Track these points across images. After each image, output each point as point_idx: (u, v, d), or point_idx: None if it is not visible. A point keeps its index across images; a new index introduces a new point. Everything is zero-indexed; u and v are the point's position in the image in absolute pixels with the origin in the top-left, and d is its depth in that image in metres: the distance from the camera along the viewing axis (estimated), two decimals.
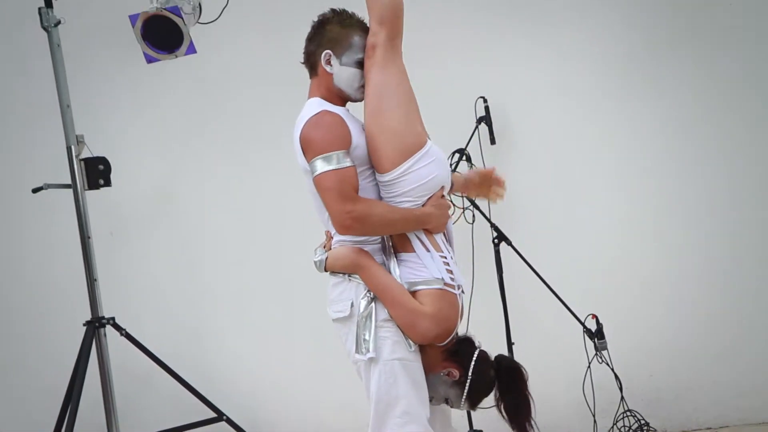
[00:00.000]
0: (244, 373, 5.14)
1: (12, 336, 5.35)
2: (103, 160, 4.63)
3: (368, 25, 3.01)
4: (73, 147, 4.59)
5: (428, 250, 2.92)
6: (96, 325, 4.52)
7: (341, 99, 3.02)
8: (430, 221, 2.93)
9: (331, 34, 2.96)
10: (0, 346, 5.36)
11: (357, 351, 2.84)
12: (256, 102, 5.08)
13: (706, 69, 4.84)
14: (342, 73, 2.95)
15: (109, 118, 5.18)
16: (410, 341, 2.87)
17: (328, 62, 2.96)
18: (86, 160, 4.59)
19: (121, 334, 4.56)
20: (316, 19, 3.03)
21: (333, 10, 3.02)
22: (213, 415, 4.69)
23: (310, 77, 3.07)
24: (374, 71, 2.92)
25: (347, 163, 2.81)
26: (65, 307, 5.03)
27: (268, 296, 5.16)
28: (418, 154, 2.91)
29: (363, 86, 2.97)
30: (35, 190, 4.62)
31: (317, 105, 2.92)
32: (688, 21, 4.85)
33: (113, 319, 4.57)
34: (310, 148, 2.83)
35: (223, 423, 4.68)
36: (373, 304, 2.85)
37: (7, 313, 5.35)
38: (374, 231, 2.88)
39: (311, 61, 3.02)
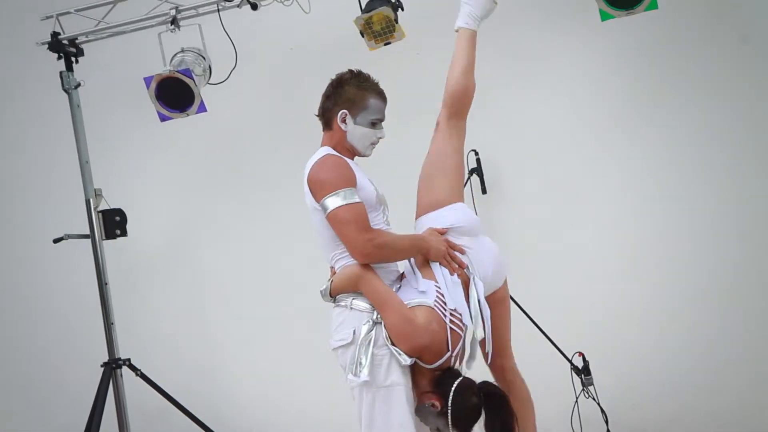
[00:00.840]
0: (254, 411, 5.28)
1: (33, 376, 5.55)
2: (120, 212, 4.91)
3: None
4: (91, 200, 4.87)
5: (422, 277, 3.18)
6: (113, 366, 4.76)
7: (351, 153, 3.21)
8: (429, 247, 3.14)
9: (348, 94, 3.15)
10: (22, 387, 5.55)
11: (353, 373, 2.96)
12: (263, 155, 5.32)
13: (695, 115, 5.03)
14: (355, 132, 3.14)
15: (126, 172, 5.46)
16: (403, 356, 2.95)
17: (344, 120, 3.16)
18: (104, 212, 4.88)
19: (137, 375, 4.78)
20: (334, 77, 3.22)
21: (351, 71, 3.20)
22: None
23: (323, 130, 3.25)
24: (436, 141, 3.36)
25: (357, 198, 2.98)
26: (83, 349, 5.23)
27: (278, 338, 5.34)
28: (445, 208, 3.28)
29: (373, 144, 3.19)
30: (56, 241, 4.88)
31: (324, 151, 3.13)
32: (679, 62, 5.04)
33: (129, 360, 4.80)
34: (319, 188, 2.99)
35: None
36: (374, 330, 2.98)
37: (29, 355, 5.57)
38: (390, 256, 3.08)
39: (327, 117, 3.21)
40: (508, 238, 5.15)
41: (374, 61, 4.88)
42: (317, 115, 3.26)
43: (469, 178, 5.15)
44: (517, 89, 5.20)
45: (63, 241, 4.86)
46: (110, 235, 4.88)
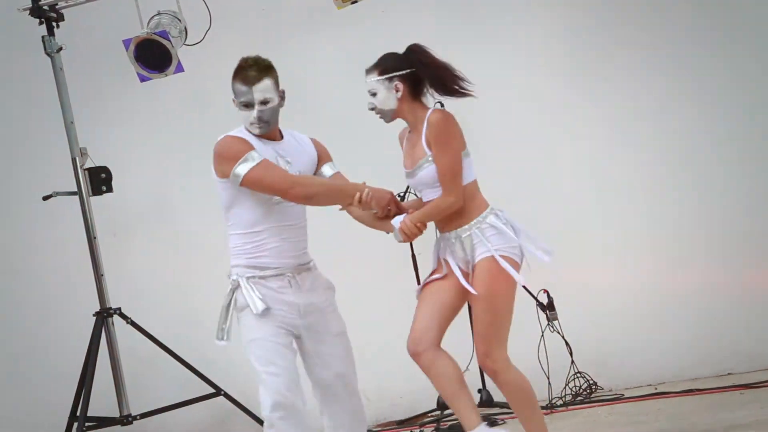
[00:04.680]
0: (239, 352, 5.48)
1: (28, 329, 5.77)
2: (105, 169, 5.11)
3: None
4: (77, 158, 5.08)
5: None
6: (104, 315, 5.00)
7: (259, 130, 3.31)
8: (351, 198, 3.18)
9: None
10: (17, 338, 5.77)
11: (218, 338, 3.27)
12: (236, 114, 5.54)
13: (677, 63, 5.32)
14: (239, 114, 3.29)
15: (109, 131, 5.62)
16: (257, 303, 3.13)
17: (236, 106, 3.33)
18: (90, 170, 5.07)
19: (127, 323, 5.03)
20: None
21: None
22: (212, 390, 5.13)
23: None
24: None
25: (261, 157, 3.14)
26: (76, 300, 5.45)
27: None
28: None
29: (253, 123, 3.20)
30: (45, 198, 5.09)
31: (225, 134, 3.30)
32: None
33: (119, 309, 5.05)
34: (224, 162, 3.15)
35: (221, 398, 5.11)
36: (233, 294, 3.23)
37: (23, 308, 5.80)
38: (321, 192, 3.22)
39: None
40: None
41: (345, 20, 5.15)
42: None
43: None
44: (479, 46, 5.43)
45: (52, 199, 5.07)
46: (97, 191, 5.08)
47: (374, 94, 3.29)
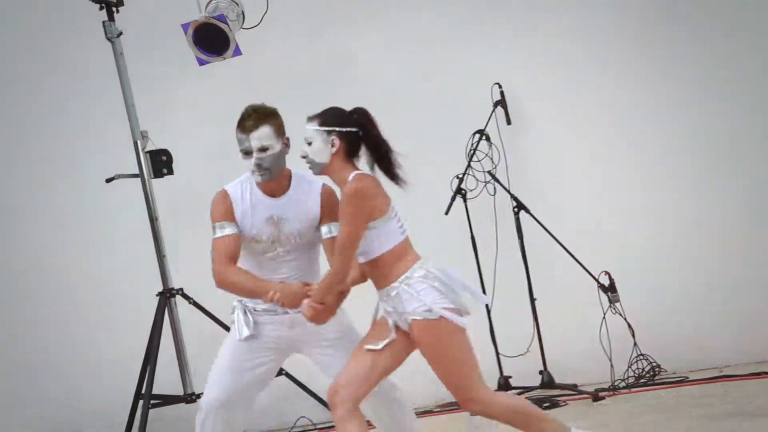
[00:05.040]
0: None
1: (93, 310, 5.89)
2: (165, 152, 5.18)
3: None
4: (138, 141, 5.16)
5: None
6: (167, 295, 5.10)
7: None
8: (278, 297, 3.20)
9: None
10: (81, 320, 5.89)
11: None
12: (296, 97, 5.54)
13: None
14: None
15: (168, 114, 5.69)
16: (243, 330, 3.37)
17: None
18: (151, 152, 5.16)
19: (190, 303, 5.13)
20: None
21: None
22: None
23: None
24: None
25: (223, 233, 3.30)
26: (139, 281, 5.52)
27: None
28: None
29: (254, 172, 3.29)
30: (108, 180, 5.18)
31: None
32: None
33: (182, 289, 5.14)
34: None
35: (283, 377, 5.14)
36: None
37: (87, 290, 5.90)
38: (235, 292, 3.36)
39: None
40: (534, 165, 5.39)
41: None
42: None
43: (494, 110, 5.35)
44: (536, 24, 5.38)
45: (114, 181, 5.16)
46: (158, 174, 5.17)
47: (309, 143, 3.18)
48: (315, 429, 5.27)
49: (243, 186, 3.39)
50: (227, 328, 5.00)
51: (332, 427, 5.03)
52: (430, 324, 3.01)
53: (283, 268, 3.37)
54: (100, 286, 5.90)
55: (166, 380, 5.10)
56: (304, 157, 3.20)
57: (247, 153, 3.31)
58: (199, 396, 4.98)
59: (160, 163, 5.17)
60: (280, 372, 5.13)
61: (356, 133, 3.14)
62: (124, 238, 5.81)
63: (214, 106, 5.72)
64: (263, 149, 3.28)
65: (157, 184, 5.19)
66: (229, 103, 5.66)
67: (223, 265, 3.28)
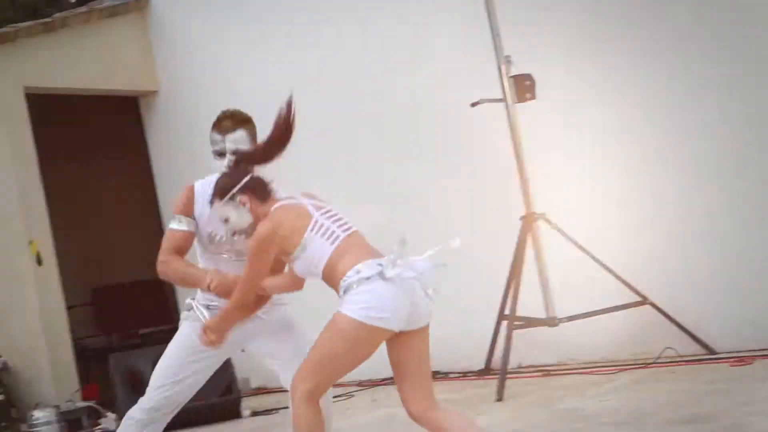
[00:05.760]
0: (671, 258, 5.25)
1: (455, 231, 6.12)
2: (529, 77, 5.20)
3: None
4: (502, 66, 5.22)
5: None
6: (530, 219, 5.16)
7: None
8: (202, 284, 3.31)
9: None
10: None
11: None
12: None
13: None
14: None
15: (531, 39, 5.54)
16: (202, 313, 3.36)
17: None
18: (515, 77, 5.19)
19: (552, 227, 5.15)
20: None
21: None
22: (637, 299, 5.08)
23: None
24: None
25: (176, 226, 3.39)
26: (504, 204, 5.57)
27: None
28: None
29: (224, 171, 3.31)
30: (473, 104, 5.30)
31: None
32: None
33: (544, 214, 5.17)
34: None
35: (647, 307, 5.04)
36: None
37: (454, 213, 6.13)
38: (173, 281, 3.60)
39: None
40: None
41: None
42: None
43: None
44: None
45: (479, 105, 5.25)
46: (522, 98, 5.19)
47: (226, 220, 3.19)
48: (681, 361, 5.05)
49: (211, 185, 3.39)
50: (591, 255, 5.04)
51: (698, 360, 4.85)
52: (336, 317, 2.95)
53: (239, 268, 3.32)
54: (466, 210, 6.05)
55: (530, 304, 5.15)
56: (233, 234, 3.25)
57: (220, 154, 3.39)
58: (561, 320, 5.09)
59: (524, 87, 5.19)
60: (645, 300, 5.01)
61: (250, 177, 3.19)
62: (490, 161, 5.81)
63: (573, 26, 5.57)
64: (236, 152, 3.35)
65: (520, 108, 5.21)
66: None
67: (166, 256, 3.40)
